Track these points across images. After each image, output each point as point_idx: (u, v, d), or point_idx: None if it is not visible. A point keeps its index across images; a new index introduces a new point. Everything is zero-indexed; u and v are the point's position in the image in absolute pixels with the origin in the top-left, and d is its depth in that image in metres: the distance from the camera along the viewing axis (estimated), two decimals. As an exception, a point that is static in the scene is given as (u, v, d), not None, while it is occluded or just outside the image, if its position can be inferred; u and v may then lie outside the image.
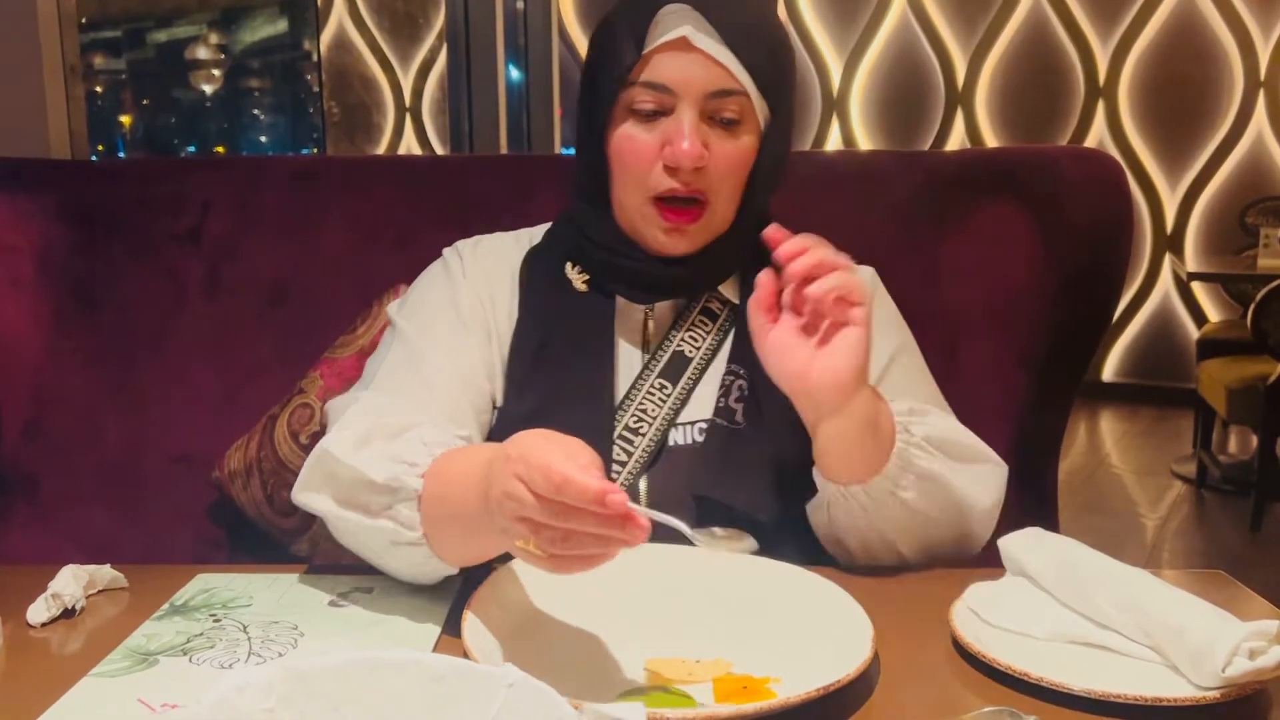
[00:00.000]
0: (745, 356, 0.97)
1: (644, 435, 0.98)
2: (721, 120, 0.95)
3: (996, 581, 0.92)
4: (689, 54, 0.93)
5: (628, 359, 1.02)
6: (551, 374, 0.98)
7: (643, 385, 1.00)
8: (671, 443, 0.99)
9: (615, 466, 0.98)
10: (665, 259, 0.99)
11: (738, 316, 1.01)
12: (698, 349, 1.01)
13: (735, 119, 0.95)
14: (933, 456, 0.92)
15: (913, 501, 0.92)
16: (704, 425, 0.99)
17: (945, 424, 0.97)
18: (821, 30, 5.30)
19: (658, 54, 0.93)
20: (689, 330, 1.02)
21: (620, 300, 1.03)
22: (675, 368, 1.00)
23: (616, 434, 0.98)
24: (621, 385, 1.00)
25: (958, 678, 0.80)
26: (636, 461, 0.98)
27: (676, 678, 0.76)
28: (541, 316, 1.01)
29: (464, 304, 1.03)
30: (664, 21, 0.93)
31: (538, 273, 1.04)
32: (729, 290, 1.05)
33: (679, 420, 1.00)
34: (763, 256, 0.95)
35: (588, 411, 0.98)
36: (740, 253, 1.01)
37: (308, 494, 0.93)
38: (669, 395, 0.99)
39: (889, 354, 1.06)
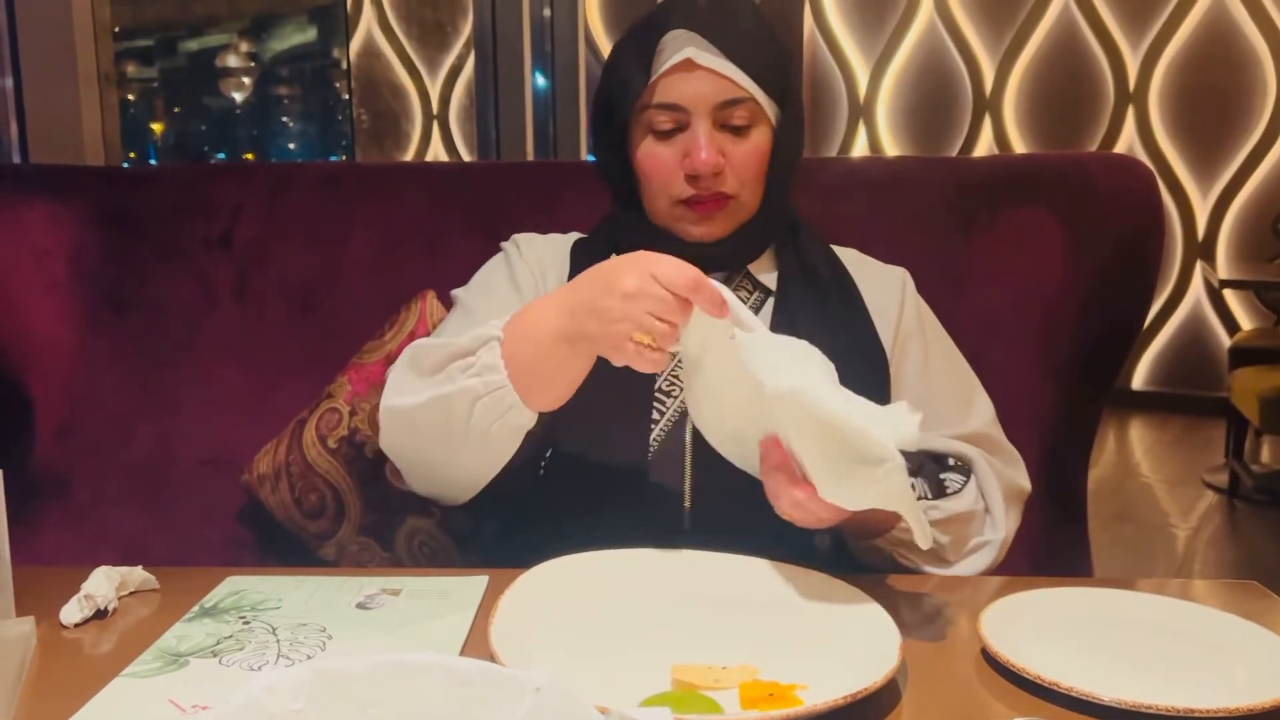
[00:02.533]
0: (783, 330, 1.04)
1: (676, 397, 1.07)
2: (733, 126, 1.04)
3: (1026, 594, 0.91)
4: (695, 73, 1.02)
5: None
6: None
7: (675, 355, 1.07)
8: None
9: (651, 422, 1.05)
10: (701, 243, 1.08)
11: (771, 295, 1.11)
12: None
13: (745, 124, 1.04)
14: (912, 560, 1.01)
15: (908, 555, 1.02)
16: None
17: (952, 509, 1.01)
18: (848, 36, 5.28)
19: (666, 77, 1.03)
20: None
21: None
22: None
23: (659, 384, 1.07)
24: None
25: (986, 687, 0.79)
26: (669, 420, 1.06)
27: (702, 683, 0.76)
28: None
29: (520, 280, 1.13)
30: (668, 47, 1.03)
31: (584, 260, 1.12)
32: (762, 273, 1.13)
33: None
34: (794, 239, 1.12)
35: (628, 375, 1.02)
36: (768, 234, 1.12)
37: (395, 396, 1.00)
38: None
39: (921, 358, 1.13)
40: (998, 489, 1.05)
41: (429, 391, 0.97)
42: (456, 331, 1.11)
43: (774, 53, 1.07)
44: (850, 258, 1.17)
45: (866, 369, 1.07)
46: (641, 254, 0.89)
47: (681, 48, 1.02)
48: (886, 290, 1.15)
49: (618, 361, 0.90)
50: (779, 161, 1.08)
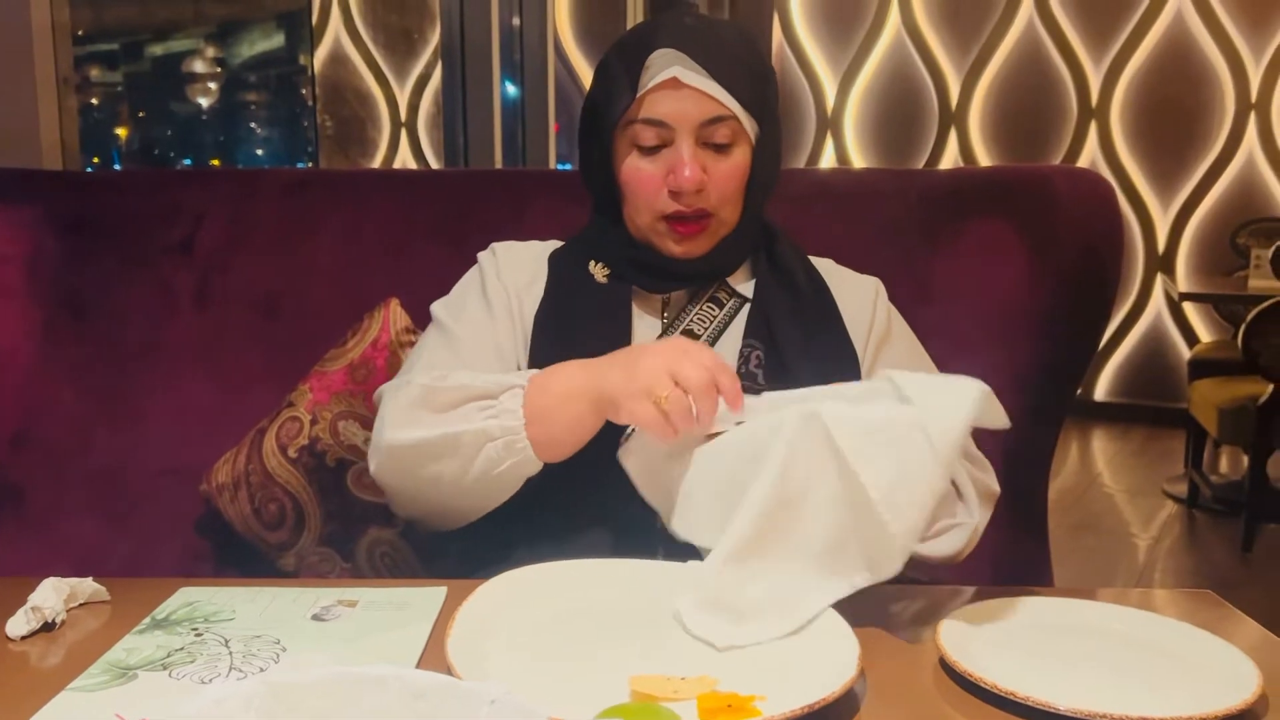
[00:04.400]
0: (759, 332, 1.10)
1: None
2: (715, 144, 1.06)
3: (985, 603, 0.92)
4: (680, 91, 1.04)
5: (649, 332, 1.13)
6: (572, 347, 1.06)
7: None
8: None
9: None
10: (680, 259, 1.10)
11: (748, 302, 1.14)
12: (707, 327, 1.12)
13: (728, 142, 1.06)
14: None
15: None
16: None
17: None
18: (816, 49, 5.32)
19: (653, 94, 1.04)
20: (702, 309, 1.13)
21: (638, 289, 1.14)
22: (691, 333, 1.12)
23: None
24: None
25: (944, 696, 0.80)
26: None
27: (661, 695, 0.76)
28: (565, 300, 1.13)
29: (491, 291, 1.15)
30: (655, 64, 1.04)
31: (563, 267, 1.16)
32: (739, 283, 1.15)
33: None
34: (770, 249, 1.14)
35: None
36: (745, 248, 1.14)
37: (402, 430, 1.01)
38: None
39: (895, 364, 1.13)
40: (968, 479, 1.05)
41: (441, 428, 0.99)
42: (435, 348, 1.14)
43: (757, 73, 1.08)
44: (825, 267, 1.19)
45: (838, 372, 1.08)
46: (674, 342, 0.97)
47: (668, 66, 1.04)
48: (860, 298, 1.17)
49: (631, 418, 0.94)
50: (758, 178, 1.10)
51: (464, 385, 1.00)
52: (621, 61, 1.07)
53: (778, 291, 1.12)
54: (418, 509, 1.10)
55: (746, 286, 1.15)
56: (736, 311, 1.13)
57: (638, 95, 1.05)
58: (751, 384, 1.07)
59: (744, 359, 1.10)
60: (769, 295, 1.12)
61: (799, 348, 1.09)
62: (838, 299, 1.15)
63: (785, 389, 1.02)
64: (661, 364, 0.92)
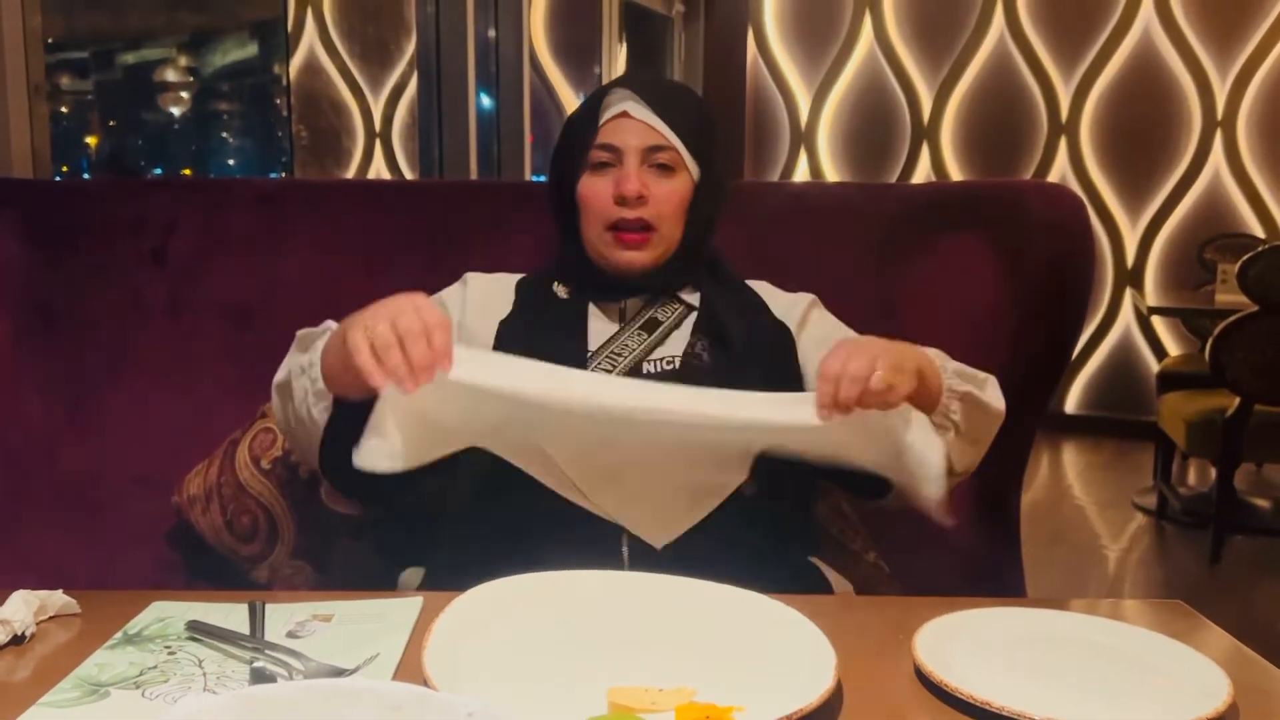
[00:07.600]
0: (706, 330, 1.24)
1: (617, 368, 1.21)
2: (658, 166, 1.23)
3: (960, 614, 0.92)
4: (629, 121, 1.24)
5: (605, 329, 1.25)
6: (530, 349, 1.13)
7: (619, 337, 1.25)
8: (644, 372, 1.22)
9: None
10: (629, 270, 1.24)
11: (695, 310, 1.27)
12: (661, 323, 1.27)
13: (669, 166, 1.24)
14: (965, 381, 1.14)
15: (960, 421, 1.13)
16: (670, 359, 1.23)
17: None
18: (790, 63, 5.35)
19: (607, 125, 1.25)
20: (656, 311, 1.27)
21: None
22: (648, 326, 1.26)
23: (592, 368, 1.21)
24: (598, 341, 1.24)
25: (920, 706, 0.80)
26: None
27: (639, 706, 0.76)
28: (529, 311, 1.28)
29: (455, 309, 1.27)
30: (612, 103, 1.25)
31: (530, 288, 1.31)
32: (686, 295, 1.29)
33: (650, 358, 1.23)
34: (713, 270, 1.30)
35: (560, 360, 1.13)
36: (689, 268, 1.29)
37: (278, 373, 1.15)
38: (640, 342, 1.24)
39: (826, 338, 1.22)
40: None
41: (286, 366, 1.14)
42: None
43: (698, 120, 1.26)
44: (762, 288, 1.32)
45: (781, 358, 1.24)
46: (406, 296, 1.01)
47: (621, 103, 1.24)
48: (791, 307, 1.31)
49: (351, 347, 0.98)
50: (697, 212, 1.25)
51: (326, 328, 1.11)
52: (586, 104, 1.28)
53: (720, 299, 1.27)
54: (305, 459, 1.17)
55: (692, 297, 1.29)
56: (684, 318, 1.27)
57: (598, 125, 1.24)
58: (698, 360, 1.22)
59: (690, 347, 1.23)
60: (712, 303, 1.27)
61: (744, 340, 1.23)
62: (773, 310, 1.29)
63: (732, 378, 1.10)
64: (387, 309, 0.99)
